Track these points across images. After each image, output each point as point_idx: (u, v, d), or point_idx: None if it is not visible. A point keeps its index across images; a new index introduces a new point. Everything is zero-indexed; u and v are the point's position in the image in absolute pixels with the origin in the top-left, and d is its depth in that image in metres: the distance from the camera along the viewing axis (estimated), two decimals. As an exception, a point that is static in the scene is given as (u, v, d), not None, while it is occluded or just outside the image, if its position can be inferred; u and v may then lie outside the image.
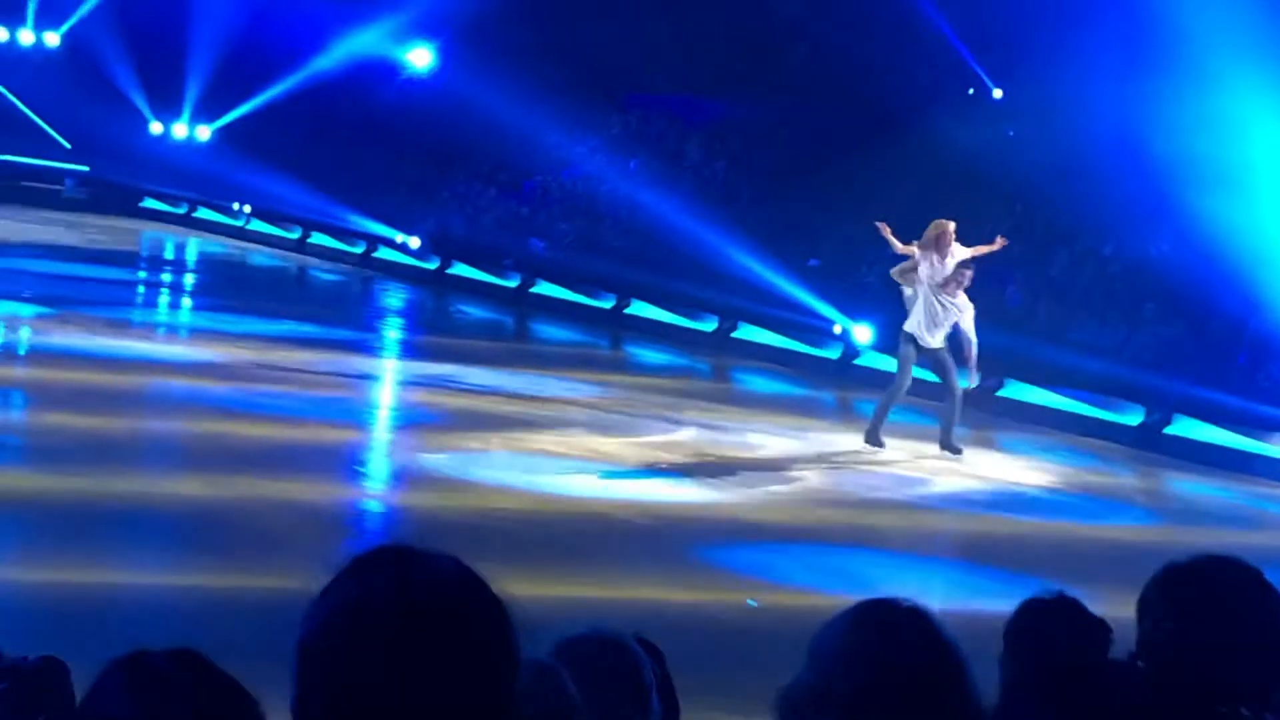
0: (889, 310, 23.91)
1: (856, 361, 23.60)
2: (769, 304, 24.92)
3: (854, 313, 23.81)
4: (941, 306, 17.00)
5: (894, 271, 17.66)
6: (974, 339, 17.29)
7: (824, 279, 25.40)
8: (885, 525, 14.19)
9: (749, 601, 11.50)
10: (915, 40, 29.44)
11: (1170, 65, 23.59)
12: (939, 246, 16.95)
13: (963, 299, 17.13)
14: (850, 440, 18.07)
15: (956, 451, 17.53)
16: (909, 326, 17.15)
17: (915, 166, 27.41)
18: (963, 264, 17.05)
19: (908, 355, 17.10)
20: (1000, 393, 21.97)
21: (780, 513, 14.38)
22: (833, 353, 23.87)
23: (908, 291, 17.41)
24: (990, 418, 21.17)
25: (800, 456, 17.07)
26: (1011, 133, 28.52)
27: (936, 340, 17.13)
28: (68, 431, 14.26)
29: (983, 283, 25.11)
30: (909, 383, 17.32)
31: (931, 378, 18.07)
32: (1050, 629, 4.45)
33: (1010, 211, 26.56)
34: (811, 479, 15.99)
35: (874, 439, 17.37)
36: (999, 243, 17.53)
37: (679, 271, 26.79)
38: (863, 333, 23.52)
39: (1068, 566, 12.82)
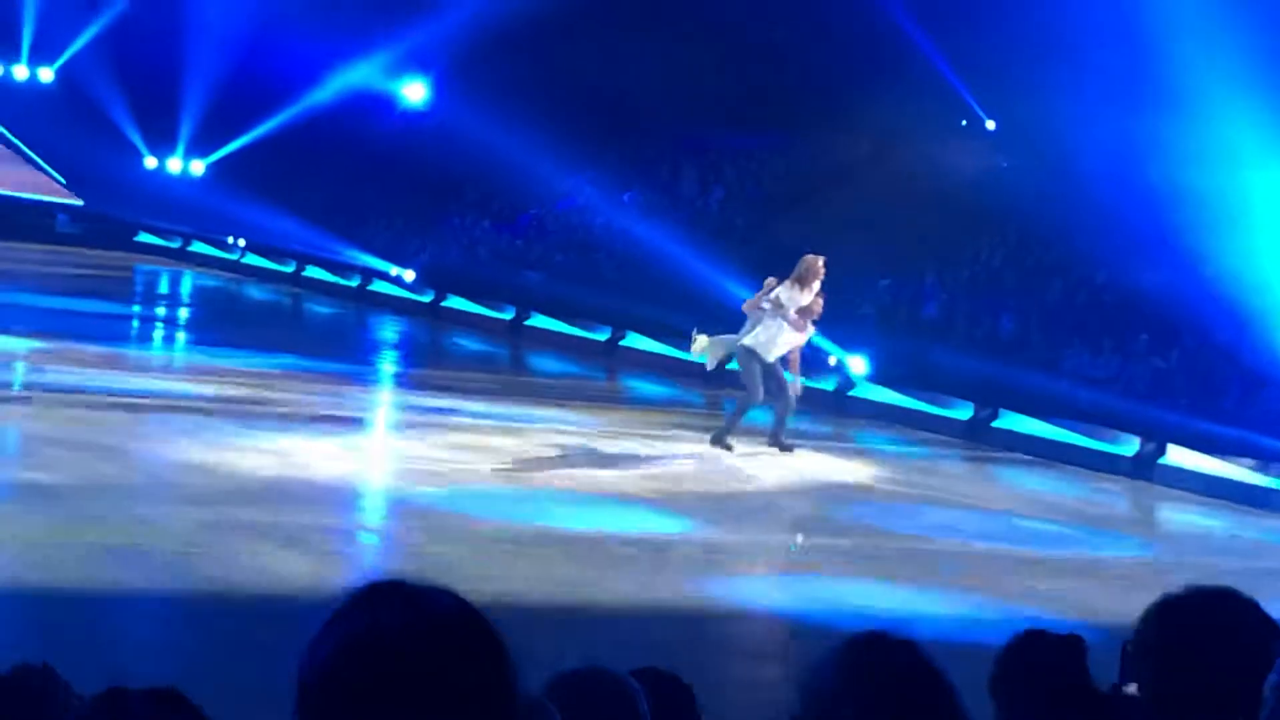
0: (885, 342, 23.98)
1: (851, 393, 23.60)
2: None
3: (849, 344, 23.80)
4: (785, 330, 18.12)
5: (747, 305, 18.57)
6: (799, 358, 18.61)
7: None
8: (883, 556, 14.17)
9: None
10: (909, 72, 29.51)
11: (1164, 96, 23.65)
12: (808, 280, 18.13)
13: (809, 328, 18.39)
14: (848, 471, 18.07)
15: (787, 449, 18.36)
16: (750, 342, 18.16)
17: (909, 197, 27.48)
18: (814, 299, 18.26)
19: (753, 369, 18.10)
20: (994, 423, 21.99)
21: (778, 545, 14.37)
22: (828, 384, 23.87)
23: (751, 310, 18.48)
24: (984, 448, 21.20)
25: (796, 488, 17.07)
26: (1005, 163, 28.60)
27: (772, 357, 18.15)
28: (59, 469, 14.23)
29: (977, 312, 25.26)
30: (761, 393, 18.16)
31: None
32: (1027, 662, 4.45)
33: (1004, 241, 26.63)
34: (809, 510, 15.98)
35: (721, 442, 18.20)
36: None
37: (674, 303, 26.80)
38: (858, 364, 23.52)
39: (1063, 597, 12.82)
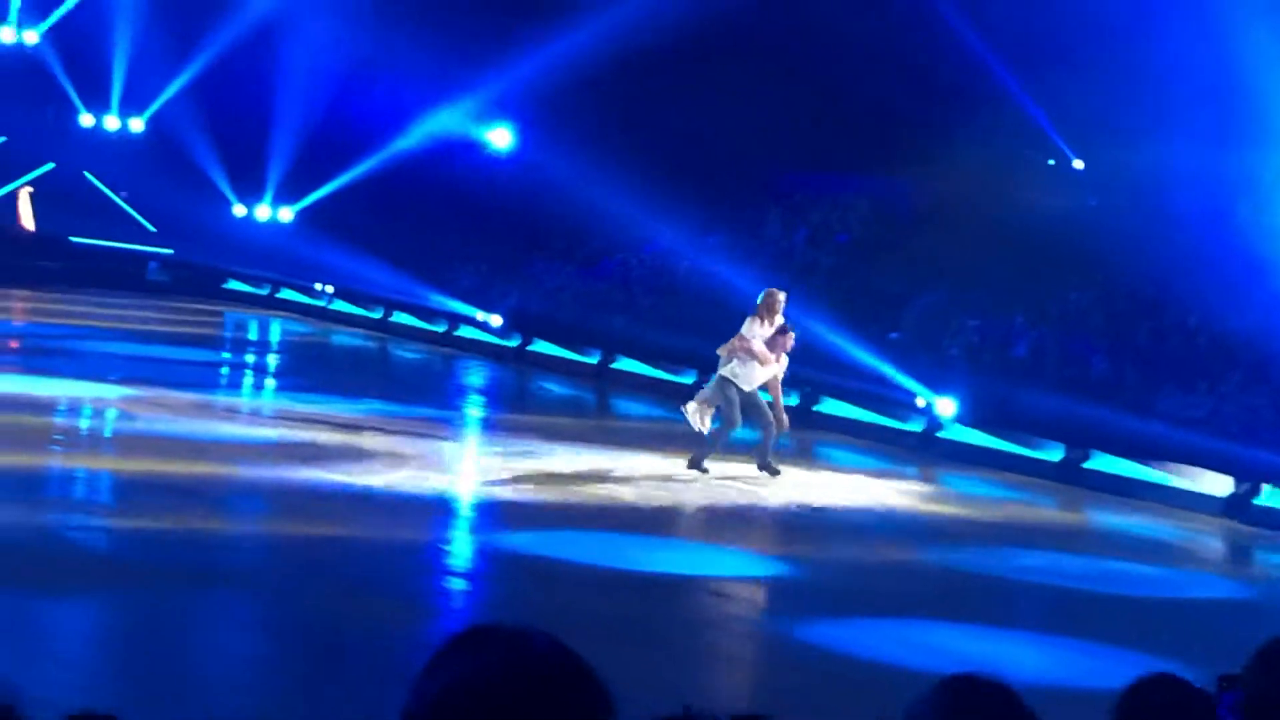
0: (973, 383, 23.88)
1: (940, 434, 23.51)
2: (851, 377, 24.87)
3: (937, 385, 23.73)
4: (758, 365, 18.88)
5: (721, 349, 19.20)
6: (780, 389, 19.31)
7: (906, 351, 25.35)
8: (973, 599, 14.12)
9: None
10: (995, 112, 29.45)
11: (1254, 132, 23.51)
12: (766, 314, 19.04)
13: (783, 359, 19.07)
14: (937, 512, 17.99)
15: (775, 472, 19.09)
16: (727, 373, 18.99)
17: (997, 238, 27.39)
18: (782, 329, 19.05)
19: (730, 396, 18.95)
20: (1086, 464, 21.85)
21: (870, 587, 14.33)
22: (915, 426, 23.80)
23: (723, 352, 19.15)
24: (1076, 490, 21.07)
25: (886, 529, 17.03)
26: (1094, 202, 28.47)
27: (749, 386, 18.96)
28: (150, 516, 14.36)
29: (1067, 353, 25.14)
30: (739, 419, 18.99)
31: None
32: (1157, 709, 4.42)
33: (1093, 281, 26.50)
34: (897, 553, 15.92)
35: (698, 465, 19.06)
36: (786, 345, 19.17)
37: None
38: (946, 406, 23.44)
39: (1156, 639, 12.73)
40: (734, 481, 18.73)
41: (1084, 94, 27.87)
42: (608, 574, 13.62)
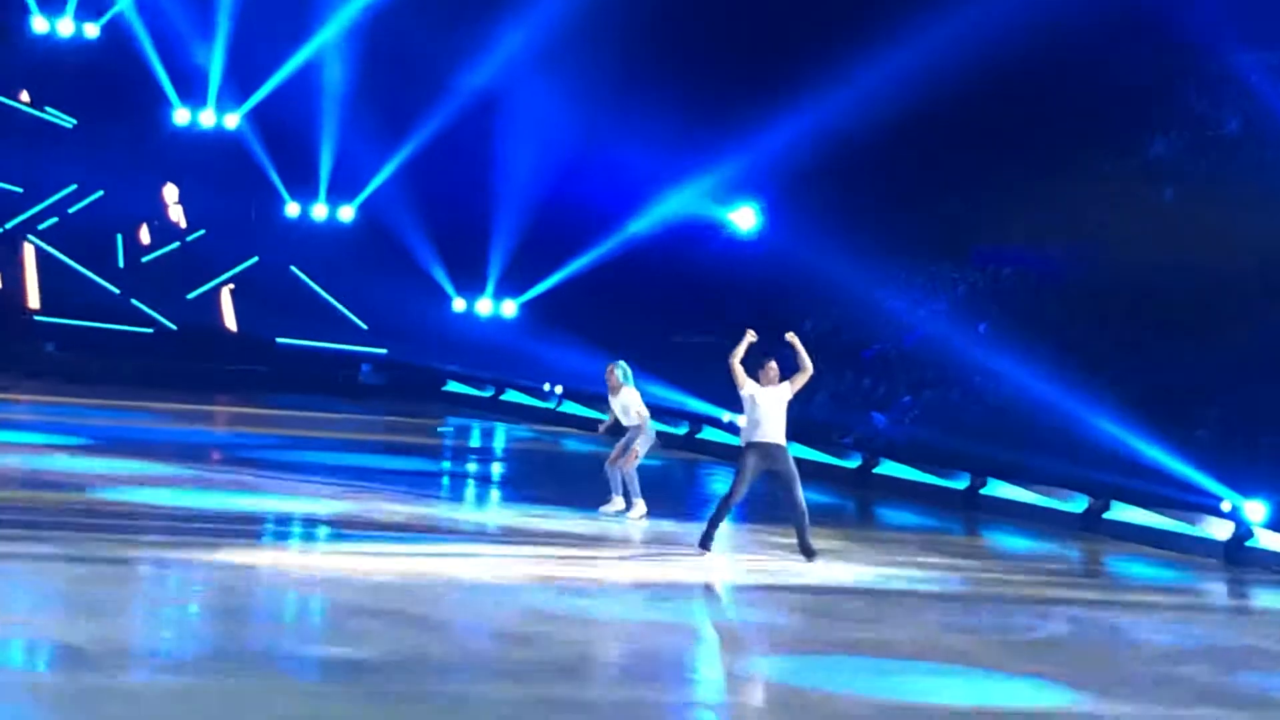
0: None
1: (1248, 543, 22.96)
2: (1147, 480, 24.46)
3: (1245, 488, 23.21)
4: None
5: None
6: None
7: (1210, 450, 24.86)
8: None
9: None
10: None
11: None
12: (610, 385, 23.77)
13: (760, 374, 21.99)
14: (1250, 634, 17.53)
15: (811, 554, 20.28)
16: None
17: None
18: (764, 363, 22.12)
19: (747, 466, 20.63)
20: None
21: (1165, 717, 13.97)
22: (1221, 533, 23.30)
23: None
24: None
25: (1191, 653, 16.64)
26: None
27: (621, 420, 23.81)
28: (366, 643, 14.43)
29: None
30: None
31: None
32: None
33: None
34: (1208, 679, 15.51)
35: (706, 543, 20.30)
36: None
37: (1042, 446, 26.46)
38: (1256, 510, 22.91)
39: None
40: (1012, 598, 18.43)
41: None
42: (876, 703, 13.40)
